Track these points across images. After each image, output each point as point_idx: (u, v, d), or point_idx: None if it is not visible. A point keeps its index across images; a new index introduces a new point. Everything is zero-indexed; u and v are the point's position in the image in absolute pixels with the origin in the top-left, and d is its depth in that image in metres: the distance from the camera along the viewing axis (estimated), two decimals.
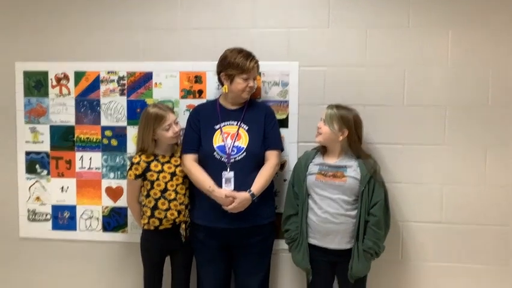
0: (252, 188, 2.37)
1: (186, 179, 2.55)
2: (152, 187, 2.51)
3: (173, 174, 2.52)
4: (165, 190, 2.51)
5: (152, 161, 2.53)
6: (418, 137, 2.67)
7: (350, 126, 2.38)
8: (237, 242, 2.47)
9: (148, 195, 2.53)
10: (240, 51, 2.48)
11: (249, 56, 2.47)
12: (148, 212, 2.53)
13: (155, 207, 2.51)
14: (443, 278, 2.71)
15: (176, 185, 2.52)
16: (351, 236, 2.36)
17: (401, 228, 2.71)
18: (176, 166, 2.55)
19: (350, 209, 2.36)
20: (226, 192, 2.35)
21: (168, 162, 2.55)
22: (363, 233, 2.35)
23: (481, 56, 2.62)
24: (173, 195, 2.51)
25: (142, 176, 2.53)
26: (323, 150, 2.50)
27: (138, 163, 2.53)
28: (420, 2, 2.64)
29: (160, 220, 2.51)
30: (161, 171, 2.52)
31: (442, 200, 2.68)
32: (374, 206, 2.36)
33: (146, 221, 2.54)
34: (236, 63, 2.44)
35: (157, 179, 2.51)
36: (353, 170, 2.38)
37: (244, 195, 2.34)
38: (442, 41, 2.64)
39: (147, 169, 2.52)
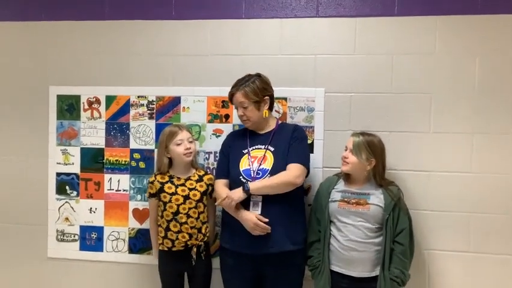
0: (250, 184, 2.37)
1: (200, 202, 2.56)
2: (165, 208, 2.54)
3: (186, 198, 2.54)
4: (177, 213, 2.52)
5: (166, 182, 2.57)
6: (445, 164, 2.65)
7: (377, 155, 2.37)
8: (266, 270, 2.43)
9: (162, 216, 2.56)
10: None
11: (232, 86, 2.51)
12: (162, 233, 2.56)
13: (167, 229, 2.54)
14: None
15: (189, 209, 2.53)
16: (373, 263, 2.34)
17: (426, 257, 2.67)
18: (191, 189, 2.56)
19: (373, 237, 2.34)
20: (254, 215, 2.35)
21: (183, 185, 2.57)
22: (388, 261, 2.33)
23: (509, 83, 2.61)
24: (184, 219, 2.52)
25: (156, 196, 2.57)
26: (345, 176, 2.48)
27: (152, 182, 2.58)
28: (447, 28, 2.65)
29: (173, 241, 2.53)
30: (175, 193, 2.54)
31: (469, 228, 2.64)
32: (399, 234, 2.35)
33: (160, 241, 2.57)
34: None
35: (170, 201, 2.53)
36: (376, 197, 2.37)
37: (238, 192, 2.37)
38: (469, 68, 2.64)
39: (161, 190, 2.56)
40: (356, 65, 2.73)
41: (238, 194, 2.37)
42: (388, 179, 2.46)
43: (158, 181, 2.58)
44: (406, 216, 2.39)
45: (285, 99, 2.76)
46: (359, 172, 2.41)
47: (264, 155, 2.48)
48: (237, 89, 2.47)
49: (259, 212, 2.37)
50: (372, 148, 2.37)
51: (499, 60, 2.62)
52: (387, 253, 2.32)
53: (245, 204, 2.40)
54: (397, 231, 2.35)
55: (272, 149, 2.49)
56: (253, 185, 2.36)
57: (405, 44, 2.69)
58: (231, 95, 2.50)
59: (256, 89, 2.45)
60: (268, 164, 2.45)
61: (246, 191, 2.36)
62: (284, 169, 2.40)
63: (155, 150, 2.85)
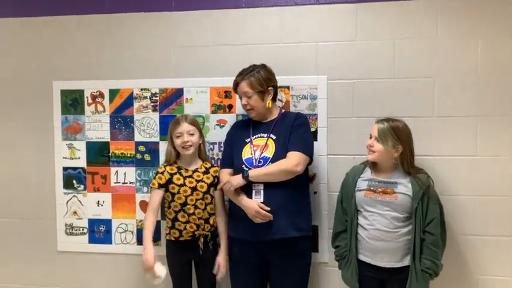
0: (250, 171, 2.40)
1: (207, 194, 2.60)
2: (173, 199, 2.57)
3: (194, 189, 2.57)
4: (185, 204, 2.55)
5: (175, 173, 2.60)
6: (449, 148, 2.65)
7: (403, 141, 2.31)
8: (270, 257, 2.46)
9: (169, 207, 2.59)
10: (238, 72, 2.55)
11: (237, 75, 2.53)
12: (169, 223, 2.60)
13: (175, 219, 2.57)
14: None
15: (196, 200, 2.56)
16: (402, 254, 2.30)
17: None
18: (198, 181, 2.59)
19: (401, 226, 2.29)
20: (256, 203, 2.37)
21: (190, 176, 2.59)
22: (419, 251, 2.28)
23: (511, 65, 2.60)
24: (192, 210, 2.55)
25: (165, 186, 2.59)
26: (372, 164, 2.43)
27: (162, 173, 2.61)
28: (449, 11, 2.64)
29: (180, 231, 2.56)
30: (183, 185, 2.57)
31: (475, 211, 2.64)
32: (429, 223, 2.28)
33: (168, 231, 2.61)
34: None
35: (178, 192, 2.55)
36: (403, 186, 2.31)
37: (238, 178, 2.42)
38: (472, 51, 2.62)
39: (170, 181, 2.58)
40: (357, 51, 2.72)
41: (237, 180, 2.42)
42: (417, 167, 2.40)
43: (168, 172, 2.60)
44: (436, 205, 2.32)
45: (288, 87, 2.77)
46: (385, 160, 2.36)
47: (266, 143, 2.50)
48: (242, 78, 2.48)
49: (261, 199, 2.40)
50: (398, 134, 2.29)
51: (502, 42, 2.60)
52: (418, 243, 2.27)
53: (248, 192, 2.43)
54: (427, 220, 2.28)
55: (274, 137, 2.50)
56: (252, 172, 2.39)
57: (406, 28, 2.68)
58: (236, 84, 2.51)
59: (261, 79, 2.47)
60: (269, 152, 2.46)
61: (245, 177, 2.39)
62: (285, 157, 2.41)
63: (160, 142, 2.88)
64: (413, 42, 2.67)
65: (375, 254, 2.32)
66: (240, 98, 2.54)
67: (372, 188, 2.35)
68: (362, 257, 2.37)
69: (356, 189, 2.40)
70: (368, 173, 2.43)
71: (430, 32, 2.66)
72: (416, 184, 2.30)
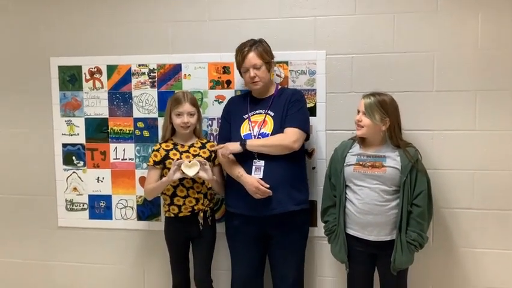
0: (248, 140, 2.43)
1: None
2: None
3: None
4: (183, 178, 2.55)
5: (171, 149, 2.61)
6: (448, 123, 2.64)
7: (390, 114, 2.32)
8: (270, 231, 2.49)
9: None
10: (239, 45, 2.52)
11: (241, 47, 2.49)
12: (167, 200, 2.60)
13: (174, 195, 2.58)
14: (475, 263, 2.70)
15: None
16: (391, 227, 2.32)
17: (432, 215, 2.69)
18: (195, 156, 2.59)
19: (390, 200, 2.31)
20: (256, 179, 2.39)
21: (187, 151, 2.60)
22: (406, 224, 2.30)
23: (511, 39, 2.58)
24: (190, 183, 2.57)
25: (161, 163, 2.59)
26: (361, 139, 2.43)
27: (158, 150, 2.62)
28: None
29: (179, 207, 2.57)
30: (180, 159, 2.55)
31: (473, 186, 2.65)
32: (417, 196, 2.30)
33: (166, 208, 2.62)
34: (235, 58, 2.53)
35: None
36: (392, 160, 2.32)
37: (235, 144, 2.43)
38: (472, 24, 2.60)
39: (166, 157, 2.58)
40: (356, 26, 2.69)
41: (234, 146, 2.44)
42: (405, 140, 2.41)
43: (163, 149, 2.61)
44: (424, 177, 2.33)
45: (286, 63, 2.75)
46: (374, 134, 2.36)
47: (264, 119, 2.51)
48: (250, 49, 2.45)
49: (261, 176, 2.42)
50: (384, 107, 2.31)
51: (502, 16, 2.57)
52: (405, 216, 2.28)
53: (247, 168, 2.45)
54: (415, 193, 2.30)
55: (272, 113, 2.51)
56: (250, 142, 2.42)
57: (406, 2, 2.64)
58: (243, 56, 2.46)
59: (268, 49, 2.50)
60: (268, 129, 2.48)
61: (243, 145, 2.41)
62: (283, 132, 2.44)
63: (159, 118, 2.88)
64: (412, 15, 2.64)
65: (364, 228, 2.34)
66: (245, 72, 2.50)
67: (361, 163, 2.36)
68: (350, 231, 2.38)
69: (345, 164, 2.40)
70: (356, 148, 2.43)
71: (430, 5, 2.62)
72: (405, 157, 2.31)
